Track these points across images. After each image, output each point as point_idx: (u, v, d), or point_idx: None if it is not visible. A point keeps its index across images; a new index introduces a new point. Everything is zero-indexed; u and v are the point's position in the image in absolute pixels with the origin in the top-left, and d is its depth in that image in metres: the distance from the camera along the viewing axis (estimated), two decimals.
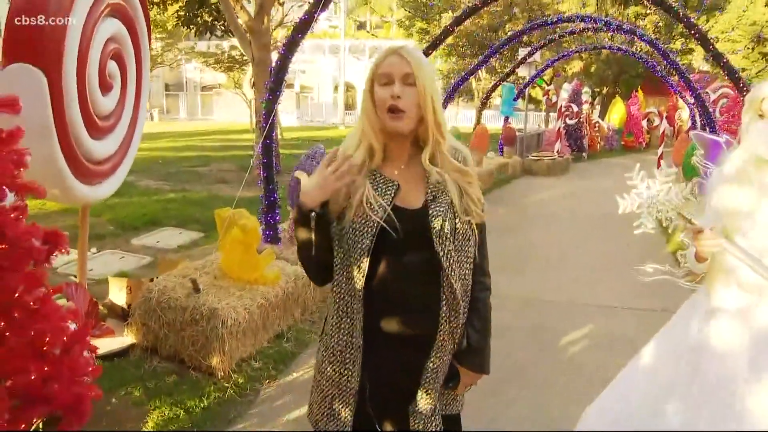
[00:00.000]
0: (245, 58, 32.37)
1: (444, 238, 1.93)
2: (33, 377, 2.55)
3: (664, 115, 18.24)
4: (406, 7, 30.90)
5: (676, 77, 14.63)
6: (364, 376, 2.01)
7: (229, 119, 37.27)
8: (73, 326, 2.81)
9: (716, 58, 7.48)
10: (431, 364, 1.97)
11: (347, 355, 2.01)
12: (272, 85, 5.14)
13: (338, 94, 40.39)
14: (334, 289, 2.02)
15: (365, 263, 1.92)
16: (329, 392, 2.05)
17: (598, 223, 9.60)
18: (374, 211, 1.92)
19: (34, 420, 2.62)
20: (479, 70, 16.24)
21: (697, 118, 14.58)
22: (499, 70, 21.88)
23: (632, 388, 2.72)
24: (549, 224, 9.89)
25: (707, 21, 25.01)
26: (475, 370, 2.09)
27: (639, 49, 18.48)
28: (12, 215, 2.52)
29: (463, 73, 14.40)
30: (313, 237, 1.91)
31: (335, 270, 1.99)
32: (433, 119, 1.94)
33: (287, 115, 34.72)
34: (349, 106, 41.74)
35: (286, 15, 21.63)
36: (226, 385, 4.03)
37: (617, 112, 25.91)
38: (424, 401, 1.99)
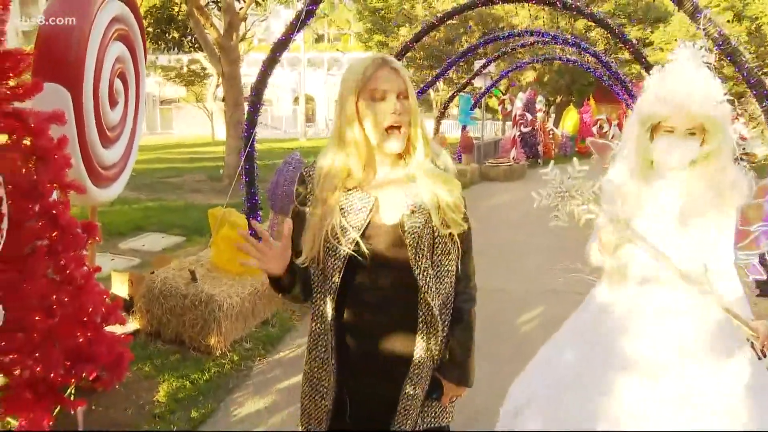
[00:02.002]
0: (206, 71, 32.84)
1: (420, 256, 1.91)
2: (81, 340, 3.09)
3: (613, 122, 19.22)
4: (365, 20, 31.55)
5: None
6: (342, 395, 2.01)
7: (190, 133, 37.39)
8: (108, 301, 3.38)
9: (647, 69, 8.28)
10: (410, 380, 1.96)
11: (323, 375, 2.02)
12: (253, 98, 5.72)
13: (299, 106, 40.74)
14: (312, 307, 2.03)
15: (337, 282, 1.92)
16: (308, 409, 2.08)
17: (550, 222, 10.31)
18: (347, 233, 1.90)
19: (83, 375, 3.17)
20: (437, 82, 16.95)
21: None
22: (456, 81, 22.61)
23: (542, 371, 2.91)
24: (505, 225, 10.59)
25: (652, 32, 26.28)
26: (457, 383, 2.06)
27: (588, 60, 19.47)
28: (60, 207, 3.09)
29: (421, 85, 15.10)
30: (287, 290, 1.96)
31: (314, 288, 2.00)
32: (422, 133, 1.93)
33: None
34: (308, 118, 42.17)
35: (248, 30, 22.14)
36: (224, 361, 4.60)
37: (570, 120, 26.81)
38: (404, 416, 1.98)
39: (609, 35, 28.35)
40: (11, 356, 2.84)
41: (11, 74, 2.88)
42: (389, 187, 1.96)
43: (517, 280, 7.04)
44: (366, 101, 1.87)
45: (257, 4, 13.28)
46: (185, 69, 34.26)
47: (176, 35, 15.57)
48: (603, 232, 2.51)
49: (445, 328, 2.01)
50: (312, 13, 5.39)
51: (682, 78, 2.41)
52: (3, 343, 2.74)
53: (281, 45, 5.58)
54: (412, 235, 1.89)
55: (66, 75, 3.77)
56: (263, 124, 7.01)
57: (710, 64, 2.46)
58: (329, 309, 1.95)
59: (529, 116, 19.76)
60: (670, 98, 2.40)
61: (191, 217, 9.56)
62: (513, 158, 18.51)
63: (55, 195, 3.12)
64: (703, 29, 4.69)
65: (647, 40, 28.30)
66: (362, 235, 1.90)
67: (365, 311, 1.97)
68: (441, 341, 1.99)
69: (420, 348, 1.95)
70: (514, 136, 19.23)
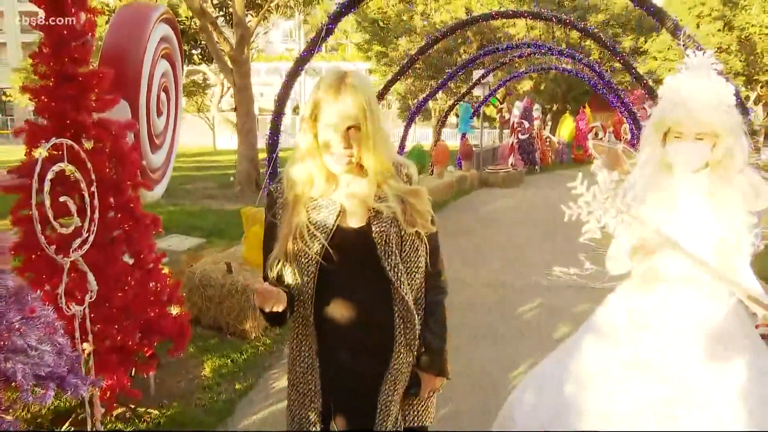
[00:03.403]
0: (208, 82, 33.47)
1: (390, 253, 1.97)
2: (151, 315, 3.63)
3: (608, 129, 19.80)
4: (364, 31, 32.08)
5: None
6: (326, 396, 2.07)
7: (192, 142, 37.95)
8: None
9: (638, 79, 8.87)
10: (389, 376, 2.02)
11: (309, 377, 2.08)
12: (276, 108, 6.28)
13: (298, 116, 41.18)
14: (292, 315, 2.07)
15: (312, 290, 1.98)
16: (298, 415, 2.13)
17: (548, 225, 10.86)
18: (316, 237, 1.96)
19: (154, 344, 3.69)
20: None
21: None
22: (455, 91, 23.20)
23: (551, 375, 2.84)
24: (505, 227, 11.14)
25: (645, 41, 26.90)
26: (435, 374, 2.11)
27: (583, 69, 20.06)
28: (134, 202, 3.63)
29: (422, 96, 15.70)
30: (284, 321, 2.04)
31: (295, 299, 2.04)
32: (375, 162, 1.94)
33: None
34: None
35: (252, 41, 22.69)
36: (258, 344, 5.13)
37: (566, 128, 27.33)
38: (385, 413, 2.03)
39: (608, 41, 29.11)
40: (98, 326, 3.37)
41: (96, 90, 3.43)
42: (353, 194, 2.00)
43: (515, 275, 7.59)
44: (320, 126, 1.91)
45: (265, 18, 13.84)
46: (186, 80, 34.85)
47: (186, 48, 16.18)
48: (638, 239, 2.49)
49: (419, 322, 2.06)
50: (331, 31, 5.96)
51: (690, 84, 2.47)
52: (93, 315, 3.26)
53: (303, 60, 6.16)
54: (380, 234, 1.96)
55: (125, 89, 4.32)
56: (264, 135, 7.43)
57: (720, 71, 2.51)
58: (309, 316, 2.03)
59: (526, 124, 20.35)
60: (679, 104, 2.45)
61: (209, 221, 10.12)
62: (511, 165, 19.06)
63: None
64: (683, 44, 5.22)
65: (641, 49, 28.95)
66: (331, 240, 1.96)
67: (342, 314, 2.01)
68: (417, 335, 2.04)
69: (398, 342, 2.01)
70: (512, 143, 19.81)
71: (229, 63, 13.02)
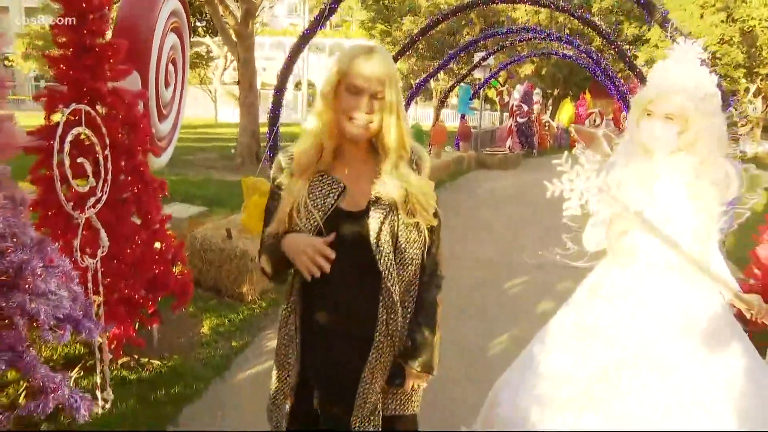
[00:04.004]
0: (211, 54, 33.49)
1: (382, 241, 1.96)
2: (156, 272, 3.90)
3: (606, 116, 20.00)
4: (369, 9, 32.13)
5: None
6: (307, 374, 2.08)
7: (193, 114, 38.01)
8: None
9: (631, 68, 9.08)
10: (368, 365, 2.00)
11: (289, 351, 2.09)
12: (278, 83, 6.52)
13: (301, 91, 41.26)
14: (286, 288, 2.13)
15: None
16: (275, 386, 2.16)
17: (541, 206, 11.10)
18: (313, 214, 1.95)
19: (158, 299, 3.97)
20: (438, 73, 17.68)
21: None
22: (456, 72, 23.36)
23: (532, 367, 2.82)
24: (498, 208, 11.42)
25: (648, 29, 26.98)
26: (420, 370, 2.07)
27: (582, 56, 20.19)
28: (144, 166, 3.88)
29: (423, 75, 15.90)
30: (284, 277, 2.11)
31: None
32: (396, 135, 1.95)
33: None
34: (310, 104, 42.75)
35: (257, 15, 22.78)
36: (254, 306, 5.43)
37: (566, 113, 27.48)
38: (362, 400, 2.02)
39: (609, 29, 29.22)
40: (108, 279, 3.65)
41: (112, 60, 3.68)
42: (359, 177, 2.01)
43: (504, 253, 7.88)
44: (343, 90, 1.92)
45: None
46: (190, 52, 34.81)
47: (191, 20, 16.31)
48: (614, 219, 2.56)
49: (408, 315, 2.06)
50: (334, 10, 6.19)
51: (669, 67, 2.56)
52: (103, 269, 3.54)
53: (306, 38, 6.40)
54: (375, 221, 1.95)
55: (136, 60, 4.56)
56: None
57: (705, 60, 2.57)
58: (297, 289, 2.06)
59: (525, 107, 20.56)
60: (655, 83, 2.55)
61: (210, 191, 10.41)
62: (509, 147, 19.31)
63: None
64: (670, 36, 5.46)
65: (644, 37, 29.02)
66: (328, 219, 1.95)
67: (329, 293, 2.01)
68: (401, 327, 2.03)
69: (379, 332, 1.99)
70: (511, 126, 20.05)
71: (233, 36, 13.21)
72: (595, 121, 20.75)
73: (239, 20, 12.93)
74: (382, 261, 1.96)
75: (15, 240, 2.62)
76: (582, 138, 2.82)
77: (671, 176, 2.59)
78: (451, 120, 27.40)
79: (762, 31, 25.55)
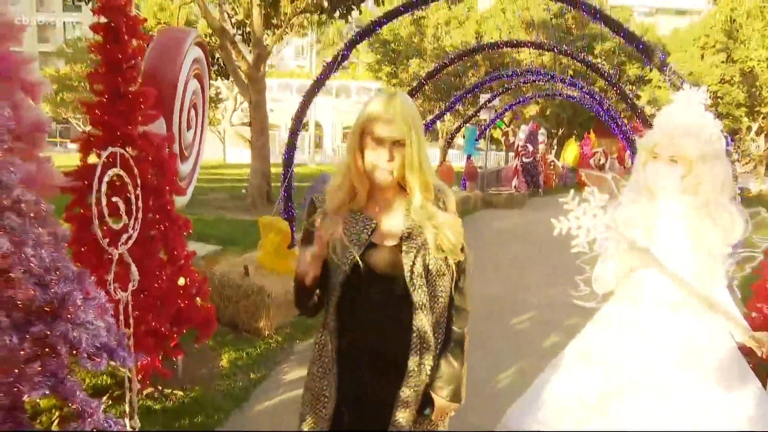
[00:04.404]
0: (220, 96, 34.12)
1: (415, 275, 2.03)
2: (182, 305, 4.09)
3: (611, 155, 20.27)
4: (376, 51, 32.78)
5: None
6: (341, 404, 2.13)
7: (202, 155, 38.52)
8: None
9: (633, 109, 9.35)
10: (402, 395, 2.06)
11: (324, 382, 2.15)
12: (293, 126, 6.78)
13: (308, 132, 41.77)
14: (321, 321, 2.20)
15: (337, 296, 2.07)
16: (307, 413, 2.20)
17: (547, 244, 11.28)
18: (349, 249, 2.04)
19: (183, 331, 4.14)
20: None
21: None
22: (462, 113, 23.75)
23: (538, 394, 2.91)
24: (504, 247, 11.61)
25: (651, 71, 27.43)
26: (450, 400, 2.14)
27: (585, 97, 20.53)
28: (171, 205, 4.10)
29: (429, 116, 16.26)
30: (309, 297, 2.13)
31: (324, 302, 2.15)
32: (419, 179, 2.04)
33: None
34: (316, 144, 43.32)
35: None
36: (270, 341, 5.61)
37: (571, 152, 27.73)
38: (395, 429, 2.08)
39: (611, 71, 29.67)
40: (136, 312, 3.84)
41: (142, 106, 3.93)
42: (390, 215, 2.11)
43: (509, 291, 8.06)
44: (367, 140, 2.03)
45: (280, 39, 14.44)
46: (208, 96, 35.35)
47: None
48: (621, 257, 2.63)
49: (438, 346, 2.12)
50: (347, 57, 6.48)
51: (674, 111, 2.67)
52: (132, 302, 3.74)
53: (319, 82, 6.67)
54: (409, 255, 2.04)
55: (162, 106, 4.82)
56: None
57: (707, 106, 2.67)
58: (331, 323, 2.12)
59: (531, 147, 20.83)
60: (661, 127, 2.65)
61: (223, 230, 10.63)
62: (515, 187, 19.58)
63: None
64: (668, 80, 5.71)
65: (646, 78, 29.50)
66: (363, 254, 2.04)
67: (364, 326, 2.09)
68: (433, 358, 2.09)
69: (413, 363, 2.05)
70: (516, 166, 20.32)
71: (245, 80, 13.59)
72: (599, 160, 21.05)
73: (251, 64, 13.31)
74: (416, 293, 2.03)
75: (58, 273, 2.81)
76: (591, 182, 2.95)
77: (674, 217, 2.66)
78: (457, 160, 27.76)
79: (762, 71, 25.97)
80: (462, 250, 2.14)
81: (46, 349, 2.78)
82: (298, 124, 6.76)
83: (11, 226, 2.58)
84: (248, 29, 14.39)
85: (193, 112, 5.63)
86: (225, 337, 5.53)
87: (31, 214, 2.75)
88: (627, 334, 2.70)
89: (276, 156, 15.57)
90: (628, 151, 22.17)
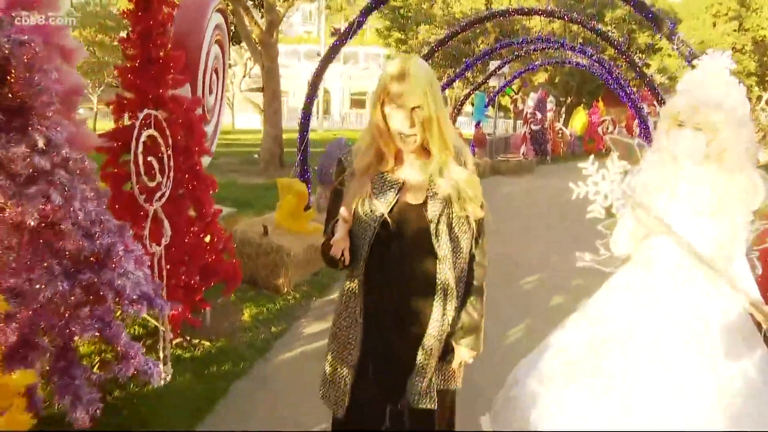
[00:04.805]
0: (230, 62, 34.11)
1: (440, 231, 2.15)
2: (209, 260, 4.32)
3: (619, 124, 20.32)
4: (384, 18, 32.58)
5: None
6: (366, 353, 2.25)
7: None
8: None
9: (642, 77, 9.47)
10: (426, 343, 2.19)
11: (351, 332, 2.26)
12: (309, 91, 6.96)
13: (317, 99, 41.60)
14: (347, 273, 2.29)
15: (366, 252, 2.17)
16: (335, 365, 2.32)
17: (554, 210, 11.52)
18: (376, 208, 2.15)
19: (211, 284, 4.38)
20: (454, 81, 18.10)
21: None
22: (471, 80, 23.77)
23: (549, 352, 2.93)
24: (512, 212, 11.80)
25: (660, 39, 27.30)
26: (470, 348, 2.29)
27: (594, 65, 20.50)
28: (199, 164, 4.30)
29: (439, 83, 16.28)
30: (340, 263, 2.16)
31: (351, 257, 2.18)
32: (439, 140, 2.13)
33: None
34: (324, 110, 43.30)
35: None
36: (288, 297, 5.87)
37: (579, 120, 27.67)
38: (419, 378, 2.21)
39: (621, 38, 29.49)
40: (168, 266, 4.08)
41: (173, 71, 4.12)
42: (415, 174, 2.20)
43: (521, 253, 8.29)
44: (387, 105, 2.11)
45: (292, 4, 14.51)
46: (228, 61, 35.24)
47: None
48: (636, 224, 2.67)
49: (459, 298, 2.25)
50: (362, 23, 6.63)
51: (698, 78, 2.63)
52: (165, 256, 3.98)
53: (335, 49, 6.84)
54: (434, 213, 2.15)
55: (188, 70, 5.01)
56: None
57: (732, 71, 2.62)
58: (360, 276, 2.22)
59: (539, 115, 20.87)
60: (685, 93, 2.60)
61: (237, 193, 10.89)
62: (523, 154, 19.71)
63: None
64: (677, 48, 5.85)
65: (656, 46, 29.35)
66: (390, 212, 2.14)
67: (391, 279, 2.20)
68: (455, 309, 2.22)
69: (437, 313, 2.18)
70: (525, 133, 20.43)
71: (258, 46, 13.72)
72: (608, 128, 21.12)
73: (264, 30, 13.42)
74: (440, 248, 2.16)
75: (102, 226, 3.03)
76: (618, 147, 3.03)
77: (697, 184, 2.63)
78: (466, 127, 27.81)
79: None
80: (482, 207, 2.25)
81: (93, 296, 3.02)
82: (315, 90, 6.95)
83: (61, 182, 2.80)
84: None
85: (214, 76, 5.81)
86: (246, 294, 5.79)
87: (77, 171, 2.96)
88: (638, 300, 2.72)
89: (285, 121, 15.75)
90: (636, 120, 22.30)
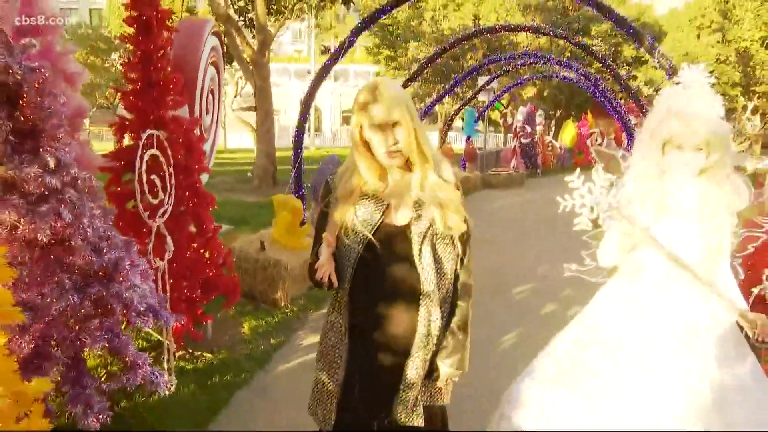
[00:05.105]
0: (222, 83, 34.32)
1: (424, 253, 2.17)
2: (210, 274, 4.46)
3: (608, 136, 20.58)
4: (374, 36, 32.91)
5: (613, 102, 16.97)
6: (352, 371, 2.26)
7: None
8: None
9: (627, 90, 9.70)
10: (411, 363, 2.21)
11: (337, 351, 2.30)
12: (302, 109, 7.14)
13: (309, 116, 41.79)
14: (333, 294, 2.34)
15: (350, 274, 2.20)
16: (323, 381, 2.37)
17: (544, 222, 11.68)
18: (361, 231, 2.18)
19: (212, 297, 4.51)
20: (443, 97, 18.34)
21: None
22: (461, 95, 24.00)
23: (544, 368, 2.87)
24: (505, 224, 11.98)
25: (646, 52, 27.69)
26: (455, 368, 2.30)
27: (581, 79, 20.79)
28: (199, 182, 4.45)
29: (428, 99, 16.59)
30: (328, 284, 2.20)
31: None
32: (419, 153, 2.18)
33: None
34: (316, 128, 43.52)
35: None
36: (286, 311, 6.01)
37: (568, 133, 27.83)
38: (405, 395, 2.22)
39: (607, 52, 29.90)
40: (171, 280, 4.23)
41: (172, 93, 4.29)
42: (399, 195, 2.23)
43: (513, 265, 8.46)
44: (367, 131, 2.16)
45: (283, 24, 14.74)
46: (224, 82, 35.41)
47: None
48: (623, 236, 2.66)
49: (444, 318, 2.25)
50: (353, 43, 6.82)
51: (688, 98, 2.59)
52: (168, 270, 4.12)
53: (326, 68, 7.02)
54: (417, 236, 2.17)
55: (186, 91, 5.18)
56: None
57: (712, 84, 2.63)
58: (344, 298, 2.25)
59: (528, 129, 21.07)
60: (677, 116, 2.55)
61: (233, 211, 11.02)
62: (513, 168, 19.90)
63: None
64: (657, 62, 6.06)
65: (642, 59, 29.72)
66: (374, 234, 2.17)
67: (375, 299, 2.22)
68: (440, 329, 2.23)
69: (421, 333, 2.20)
70: (515, 147, 20.63)
71: (250, 66, 13.92)
72: (596, 140, 21.37)
73: (256, 50, 13.62)
74: (423, 270, 2.17)
75: (109, 242, 3.18)
76: (602, 159, 3.06)
77: (685, 194, 2.65)
78: (456, 142, 28.04)
79: (755, 51, 26.25)
80: (465, 221, 2.27)
81: (102, 309, 3.16)
82: (307, 109, 7.12)
83: (71, 200, 2.94)
84: (251, 15, 14.69)
85: (210, 97, 5.98)
86: (245, 308, 5.93)
87: (86, 190, 3.10)
88: (627, 310, 2.73)
89: (276, 139, 15.93)
90: (624, 132, 22.57)
